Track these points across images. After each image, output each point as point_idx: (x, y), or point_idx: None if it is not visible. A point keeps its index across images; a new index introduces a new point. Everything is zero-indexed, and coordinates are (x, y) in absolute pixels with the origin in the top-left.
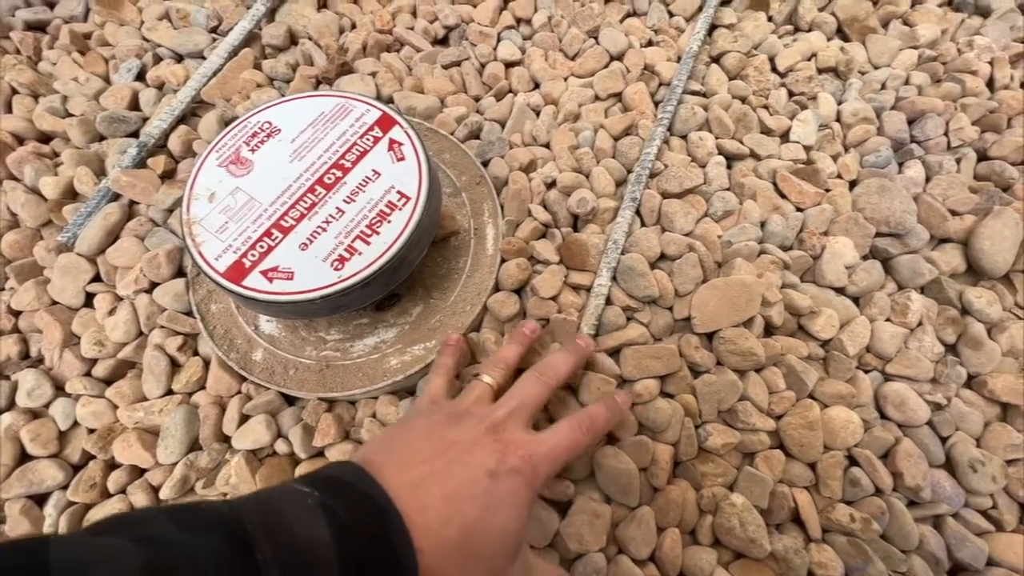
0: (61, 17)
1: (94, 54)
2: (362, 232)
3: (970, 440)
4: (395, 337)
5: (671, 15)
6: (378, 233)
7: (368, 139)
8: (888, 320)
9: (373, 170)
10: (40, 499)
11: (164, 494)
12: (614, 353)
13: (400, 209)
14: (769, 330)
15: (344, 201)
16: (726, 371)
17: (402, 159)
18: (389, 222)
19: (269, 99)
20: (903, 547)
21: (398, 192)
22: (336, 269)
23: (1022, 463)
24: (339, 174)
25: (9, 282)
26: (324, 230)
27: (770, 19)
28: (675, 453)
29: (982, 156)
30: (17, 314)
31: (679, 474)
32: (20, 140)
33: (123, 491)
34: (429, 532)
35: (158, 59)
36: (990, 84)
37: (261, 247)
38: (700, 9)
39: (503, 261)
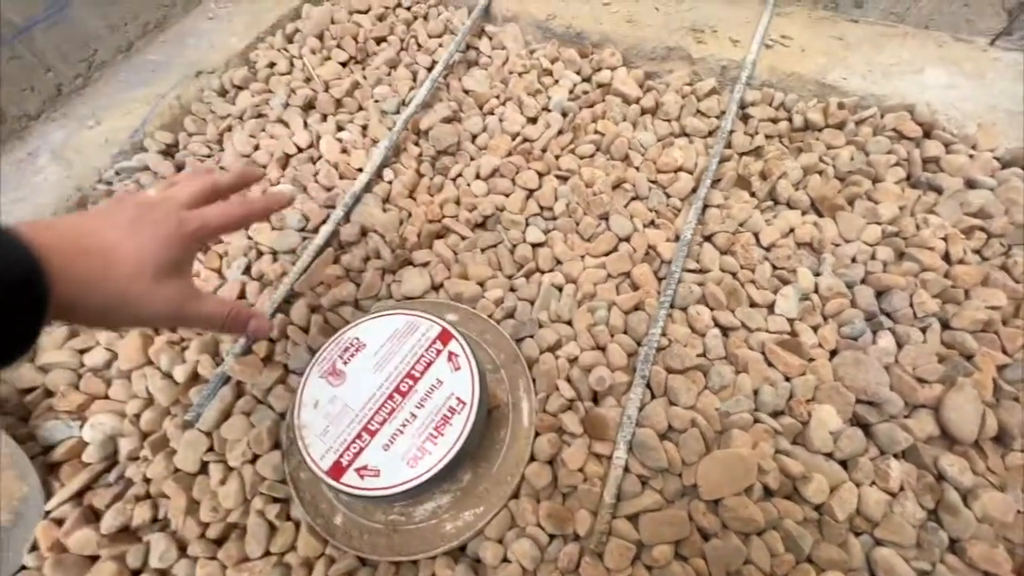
0: None
1: (212, 253)
2: (430, 434)
3: None
4: (449, 503)
5: (668, 197)
6: (443, 435)
7: (432, 351)
8: (873, 484)
9: (437, 379)
10: None
11: None
12: (632, 518)
13: (459, 413)
14: (768, 491)
15: (416, 407)
16: (731, 535)
17: (459, 369)
18: (451, 424)
19: (372, 299)
20: None
21: (457, 398)
22: (411, 467)
23: None
24: (411, 383)
25: (144, 452)
26: (401, 432)
27: (753, 195)
28: None
29: (945, 326)
30: (148, 481)
31: None
32: (156, 330)
33: None
34: (56, 237)
35: (259, 254)
36: (947, 258)
37: (354, 448)
38: (694, 190)
39: (537, 435)
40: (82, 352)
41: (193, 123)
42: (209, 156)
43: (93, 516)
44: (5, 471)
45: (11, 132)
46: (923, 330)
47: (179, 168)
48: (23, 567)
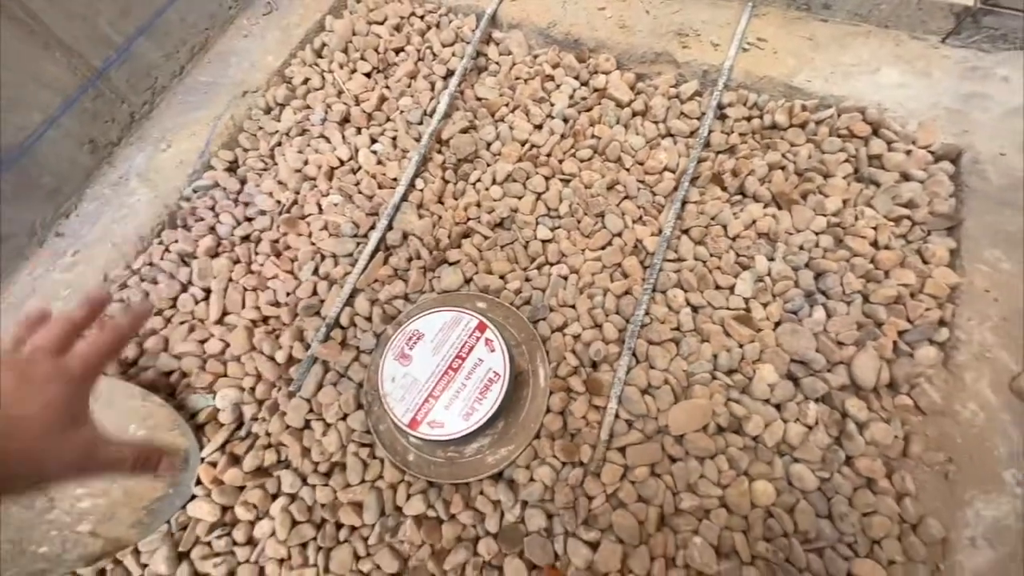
0: (258, 229)
1: (285, 257)
2: (476, 397)
3: (843, 500)
4: (489, 443)
5: (654, 195)
6: (486, 397)
7: (473, 338)
8: (796, 421)
9: (479, 359)
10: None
11: (371, 540)
12: (621, 450)
13: (496, 382)
14: (719, 428)
15: (465, 379)
16: (691, 459)
17: (493, 351)
18: (491, 390)
19: (412, 304)
20: (799, 567)
21: (494, 372)
22: (465, 420)
23: (874, 515)
24: (460, 362)
25: (261, 413)
26: (456, 397)
27: (725, 189)
28: (661, 512)
29: (866, 300)
30: (269, 435)
31: (664, 525)
32: (254, 323)
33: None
34: None
35: (323, 258)
36: (875, 244)
37: (425, 408)
38: (675, 188)
39: (551, 393)
40: (202, 343)
41: (247, 140)
42: (265, 170)
43: (235, 460)
44: (172, 431)
45: (101, 159)
46: (848, 304)
47: (242, 183)
48: (193, 496)
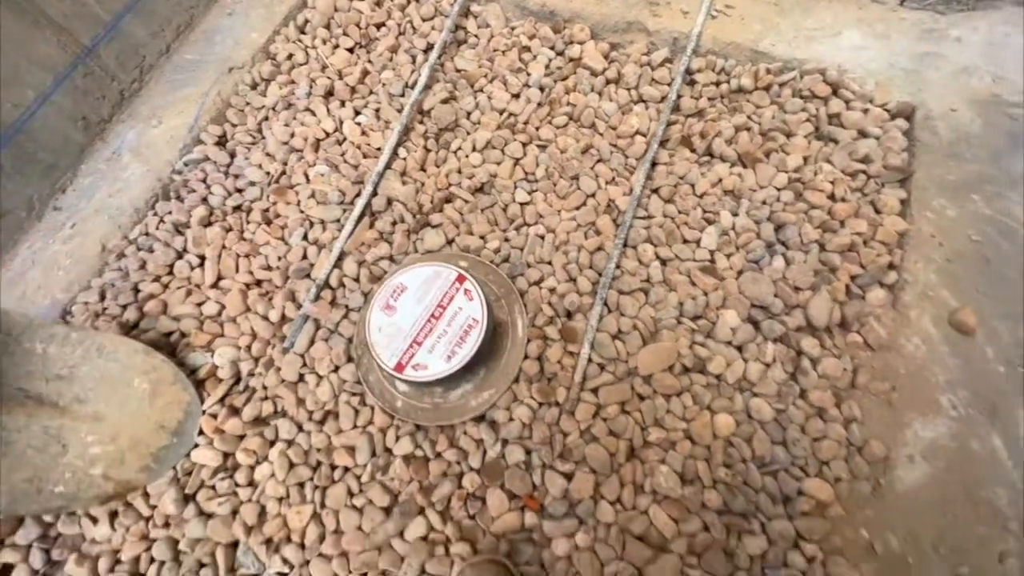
0: (248, 200)
1: (275, 225)
2: (457, 341)
3: (797, 428)
4: (472, 388)
5: (626, 158)
6: (465, 342)
7: (453, 289)
8: (756, 360)
9: (459, 307)
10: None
11: (363, 479)
12: (594, 391)
13: (475, 328)
14: (685, 368)
15: (446, 326)
16: (658, 396)
17: (472, 300)
18: (470, 335)
19: (398, 265)
20: (756, 487)
21: (472, 319)
22: (447, 362)
23: (823, 440)
24: (441, 310)
25: (258, 369)
26: (439, 342)
27: (694, 151)
28: (631, 444)
29: (822, 248)
30: (266, 388)
31: (633, 456)
32: (248, 287)
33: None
34: None
35: (312, 224)
36: (831, 197)
37: (409, 353)
38: (646, 151)
39: (529, 341)
40: (199, 305)
41: (235, 115)
42: (253, 143)
43: (235, 411)
44: (174, 385)
45: (94, 136)
46: (805, 253)
47: (232, 156)
48: (196, 444)
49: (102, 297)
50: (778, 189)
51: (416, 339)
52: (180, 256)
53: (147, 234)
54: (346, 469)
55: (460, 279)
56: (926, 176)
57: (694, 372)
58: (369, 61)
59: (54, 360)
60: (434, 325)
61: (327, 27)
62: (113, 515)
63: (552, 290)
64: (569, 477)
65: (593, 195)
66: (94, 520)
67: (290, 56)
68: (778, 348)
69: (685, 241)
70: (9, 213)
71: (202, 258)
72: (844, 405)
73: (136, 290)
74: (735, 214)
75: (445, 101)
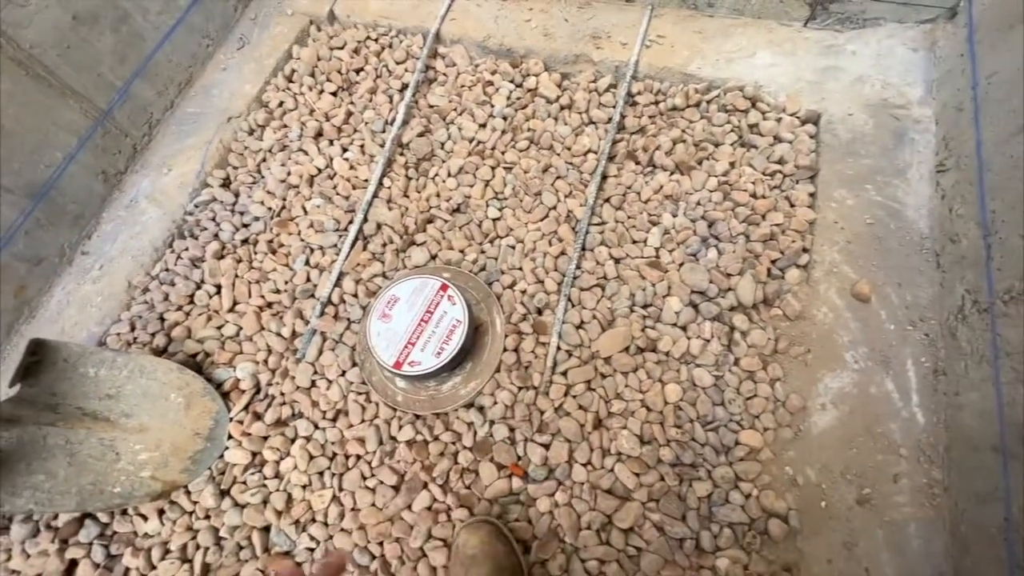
0: (254, 233)
1: (280, 253)
2: (444, 340)
3: (732, 390)
4: (461, 380)
5: (580, 173)
6: (451, 340)
7: (438, 296)
8: (697, 337)
9: (444, 312)
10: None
11: (373, 464)
12: (563, 373)
13: (458, 328)
14: (639, 348)
15: (434, 328)
16: (617, 374)
17: (455, 304)
18: (455, 334)
19: (390, 280)
20: (701, 442)
21: (456, 320)
22: (437, 357)
23: (754, 398)
24: (429, 315)
25: (275, 379)
26: (429, 341)
27: (638, 163)
28: (597, 416)
29: (748, 239)
30: (283, 395)
31: (600, 425)
32: (261, 309)
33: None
34: None
35: (312, 250)
36: (753, 195)
37: (405, 352)
38: (597, 166)
39: (506, 336)
40: (219, 328)
41: (236, 159)
42: (254, 183)
43: (258, 416)
44: (204, 398)
45: (112, 187)
46: (733, 244)
47: (236, 195)
48: (227, 447)
49: (132, 328)
50: (710, 191)
51: (410, 340)
52: (199, 287)
53: (167, 270)
54: (358, 457)
55: (443, 288)
56: (829, 172)
57: (647, 351)
58: (351, 103)
59: (104, 381)
60: (424, 328)
61: (312, 75)
62: (161, 512)
63: (524, 291)
64: (547, 447)
65: (554, 207)
66: (144, 517)
67: (281, 103)
68: (715, 325)
69: (634, 242)
70: (44, 260)
71: (218, 287)
72: (769, 368)
73: (162, 319)
74: (675, 215)
75: (421, 134)
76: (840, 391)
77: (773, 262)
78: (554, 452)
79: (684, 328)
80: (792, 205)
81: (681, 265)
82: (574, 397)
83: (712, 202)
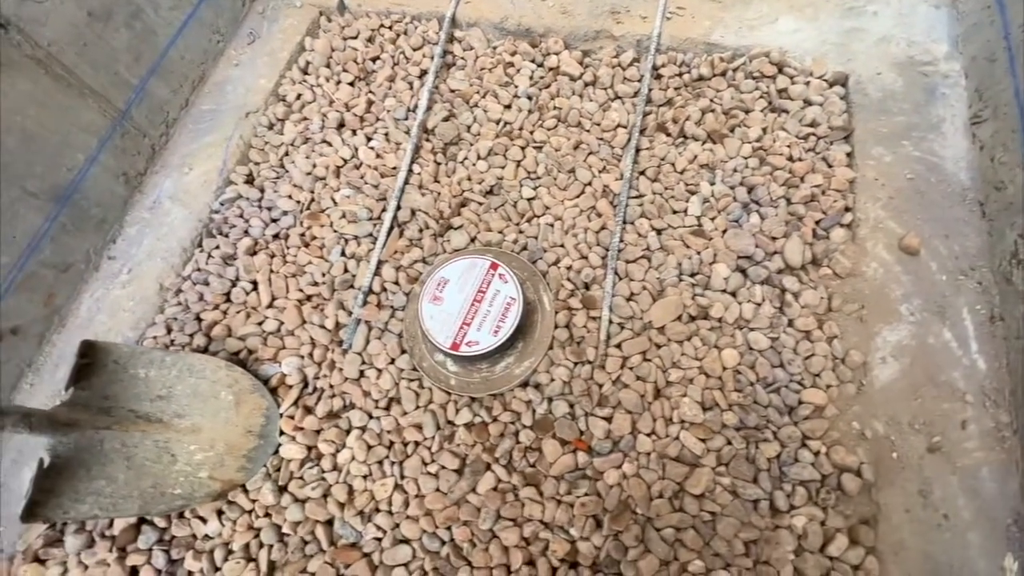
0: (284, 227)
1: (313, 246)
2: (500, 318)
3: (790, 351)
4: (515, 359)
5: (612, 148)
6: (507, 318)
7: (489, 275)
8: (749, 301)
9: (497, 290)
10: None
11: (433, 449)
12: (618, 346)
13: (513, 305)
14: (691, 317)
15: (488, 307)
16: (672, 344)
17: (507, 282)
18: (510, 312)
19: (431, 265)
20: (763, 404)
21: (510, 297)
22: (494, 335)
23: (812, 357)
24: (482, 295)
25: (322, 371)
26: (485, 321)
27: (669, 135)
28: (656, 386)
29: (789, 202)
30: (332, 387)
31: (660, 395)
32: (301, 302)
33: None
34: None
35: (346, 241)
36: (790, 159)
37: (461, 333)
38: (628, 140)
39: (556, 313)
40: (260, 324)
41: (257, 154)
42: (279, 178)
43: (309, 410)
44: (253, 394)
45: (133, 188)
46: (775, 208)
47: (261, 191)
48: (280, 444)
49: (168, 330)
50: (745, 158)
51: (465, 321)
52: (234, 284)
53: (199, 269)
54: (417, 443)
55: (494, 266)
56: (864, 130)
57: (699, 319)
58: (371, 92)
59: (155, 382)
60: (478, 307)
61: (328, 66)
62: (220, 513)
63: (569, 267)
64: (609, 420)
65: (589, 183)
66: (203, 520)
67: (299, 96)
68: (764, 289)
69: (674, 212)
70: (71, 266)
71: (254, 283)
72: (825, 326)
73: (199, 319)
74: (712, 183)
75: (446, 119)
76: (899, 344)
77: (817, 223)
78: (616, 424)
79: (734, 294)
80: (830, 166)
81: (724, 232)
82: (631, 369)
83: (749, 168)
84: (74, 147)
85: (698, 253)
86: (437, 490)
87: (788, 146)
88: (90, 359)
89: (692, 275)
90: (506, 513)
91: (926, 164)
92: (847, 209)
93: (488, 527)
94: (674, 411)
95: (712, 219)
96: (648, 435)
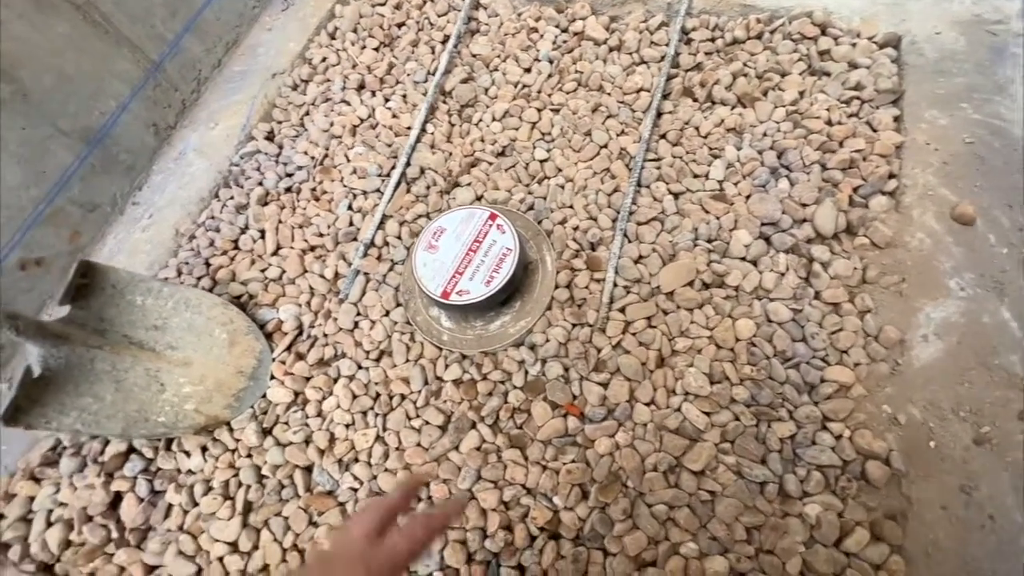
0: (297, 181)
1: (323, 199)
2: (494, 268)
3: (814, 324)
4: (510, 318)
5: (633, 111)
6: (501, 269)
7: (487, 225)
8: (771, 270)
9: (493, 240)
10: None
11: (419, 403)
12: (621, 310)
13: (508, 256)
14: (705, 284)
15: (483, 256)
16: (681, 311)
17: (504, 232)
18: (505, 263)
19: (438, 212)
20: (780, 380)
21: (506, 248)
22: (487, 286)
23: (840, 332)
24: (478, 244)
25: (318, 320)
26: (477, 271)
27: (695, 99)
28: (660, 353)
29: (824, 168)
30: (326, 336)
31: (663, 363)
32: (304, 252)
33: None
34: None
35: (355, 195)
36: (828, 122)
37: (452, 282)
38: (651, 103)
39: (558, 273)
40: (263, 271)
41: (280, 113)
42: (297, 136)
43: (300, 357)
44: (248, 336)
45: (162, 140)
46: (807, 173)
47: (280, 147)
48: (269, 387)
49: (179, 273)
50: (777, 122)
51: (458, 270)
52: (243, 231)
53: (213, 217)
54: (403, 396)
55: (492, 217)
56: (916, 93)
57: (713, 287)
58: (394, 56)
59: (150, 311)
60: (472, 257)
61: (354, 31)
62: (204, 448)
63: (576, 227)
64: (605, 386)
65: (605, 145)
66: (188, 454)
67: (324, 59)
68: (790, 258)
69: (695, 176)
70: (97, 207)
71: (262, 232)
72: (857, 299)
73: (207, 264)
74: (739, 148)
75: (464, 81)
76: (945, 321)
77: (855, 189)
78: (613, 391)
79: (755, 262)
80: (874, 130)
81: (748, 197)
82: (633, 334)
83: (781, 132)
84: (107, 93)
85: (717, 218)
86: (418, 444)
87: (827, 109)
88: (88, 280)
89: (709, 240)
90: (487, 474)
91: (989, 128)
92: (891, 176)
93: (467, 487)
94: (678, 381)
95: (736, 183)
96: (647, 404)
